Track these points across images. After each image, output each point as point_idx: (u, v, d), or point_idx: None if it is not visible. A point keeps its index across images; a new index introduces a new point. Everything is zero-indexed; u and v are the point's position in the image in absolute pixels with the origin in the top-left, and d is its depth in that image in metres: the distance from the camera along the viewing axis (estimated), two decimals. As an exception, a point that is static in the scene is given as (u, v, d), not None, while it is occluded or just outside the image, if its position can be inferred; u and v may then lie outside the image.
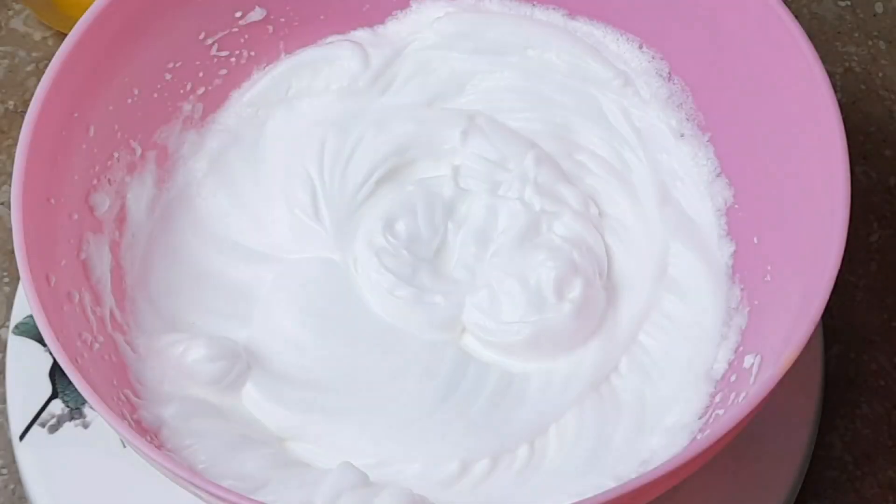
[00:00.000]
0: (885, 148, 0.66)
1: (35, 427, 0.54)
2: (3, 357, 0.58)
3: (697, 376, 0.51)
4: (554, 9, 0.59)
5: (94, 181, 0.53)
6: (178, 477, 0.42)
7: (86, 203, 0.52)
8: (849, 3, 0.69)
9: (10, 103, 0.67)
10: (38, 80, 0.49)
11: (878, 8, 0.69)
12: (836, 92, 0.48)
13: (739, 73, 0.54)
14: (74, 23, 0.50)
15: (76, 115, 0.51)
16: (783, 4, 0.51)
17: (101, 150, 0.53)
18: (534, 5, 0.59)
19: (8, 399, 0.55)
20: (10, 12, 0.70)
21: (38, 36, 0.69)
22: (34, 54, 0.69)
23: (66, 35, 0.50)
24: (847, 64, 0.68)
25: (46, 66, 0.49)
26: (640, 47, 0.58)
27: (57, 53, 0.50)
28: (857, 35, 0.68)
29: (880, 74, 0.68)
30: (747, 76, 0.53)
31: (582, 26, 0.59)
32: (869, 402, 0.59)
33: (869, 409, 0.59)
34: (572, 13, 0.59)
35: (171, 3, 0.54)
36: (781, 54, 0.51)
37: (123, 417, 0.46)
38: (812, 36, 0.49)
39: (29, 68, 0.68)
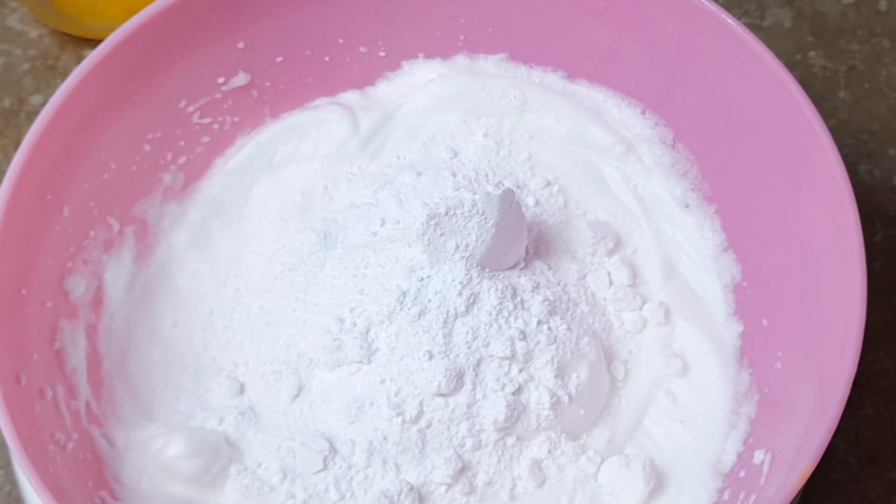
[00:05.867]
0: (889, 146, 0.64)
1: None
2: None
3: (705, 468, 0.49)
4: (552, 71, 0.57)
5: (69, 263, 0.50)
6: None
7: (60, 288, 0.49)
8: (852, 0, 0.68)
9: (7, 101, 0.65)
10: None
11: (882, 6, 0.68)
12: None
13: (746, 142, 0.51)
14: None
15: (49, 196, 0.49)
16: (792, 77, 0.49)
17: (76, 231, 0.50)
18: (531, 67, 0.57)
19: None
20: (6, 10, 0.68)
21: (34, 34, 0.67)
22: (30, 52, 0.66)
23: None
24: (851, 62, 0.66)
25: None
26: (643, 113, 0.55)
27: (28, 135, 0.47)
28: (860, 33, 0.67)
29: (884, 73, 0.66)
30: (754, 146, 0.51)
31: (582, 90, 0.56)
32: (873, 403, 0.57)
33: (873, 411, 0.57)
34: (571, 76, 0.56)
35: (150, 72, 0.52)
36: (790, 126, 0.49)
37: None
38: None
39: (25, 66, 0.66)
